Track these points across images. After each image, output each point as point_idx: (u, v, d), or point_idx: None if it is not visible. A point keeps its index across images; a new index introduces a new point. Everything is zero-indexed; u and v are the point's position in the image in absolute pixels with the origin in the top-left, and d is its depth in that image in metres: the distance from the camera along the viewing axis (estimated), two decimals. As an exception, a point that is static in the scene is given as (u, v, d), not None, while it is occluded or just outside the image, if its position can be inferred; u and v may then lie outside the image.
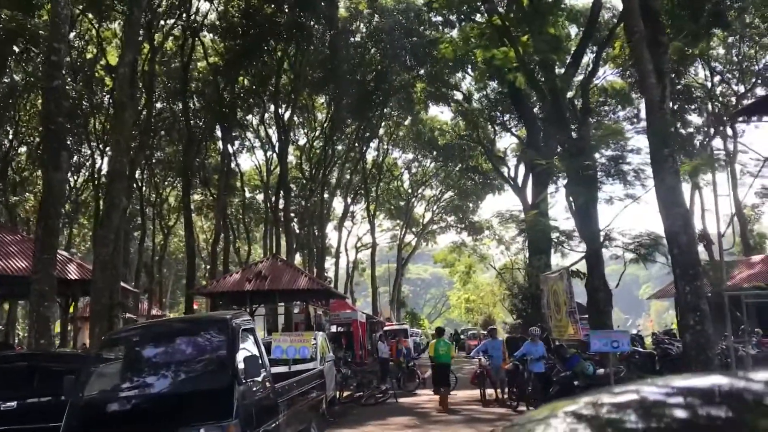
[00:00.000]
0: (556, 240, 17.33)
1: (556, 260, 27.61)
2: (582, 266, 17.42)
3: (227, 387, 6.03)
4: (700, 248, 17.32)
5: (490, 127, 41.71)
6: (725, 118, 32.96)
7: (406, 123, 45.77)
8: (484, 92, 38.21)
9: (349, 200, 51.01)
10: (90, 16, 31.06)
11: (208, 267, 40.84)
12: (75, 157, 40.79)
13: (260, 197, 49.32)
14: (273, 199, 40.14)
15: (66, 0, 12.23)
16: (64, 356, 9.96)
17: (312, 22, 33.22)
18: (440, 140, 44.85)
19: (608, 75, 34.97)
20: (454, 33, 33.55)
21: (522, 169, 38.32)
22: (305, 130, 45.14)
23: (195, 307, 35.67)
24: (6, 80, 29.98)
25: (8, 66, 27.10)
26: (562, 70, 21.29)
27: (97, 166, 37.20)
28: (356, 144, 44.31)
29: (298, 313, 29.48)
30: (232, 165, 41.75)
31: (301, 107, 41.05)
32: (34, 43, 22.29)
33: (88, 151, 38.39)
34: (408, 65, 36.72)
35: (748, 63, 35.13)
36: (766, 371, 1.27)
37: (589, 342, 11.33)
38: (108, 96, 33.38)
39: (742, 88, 35.37)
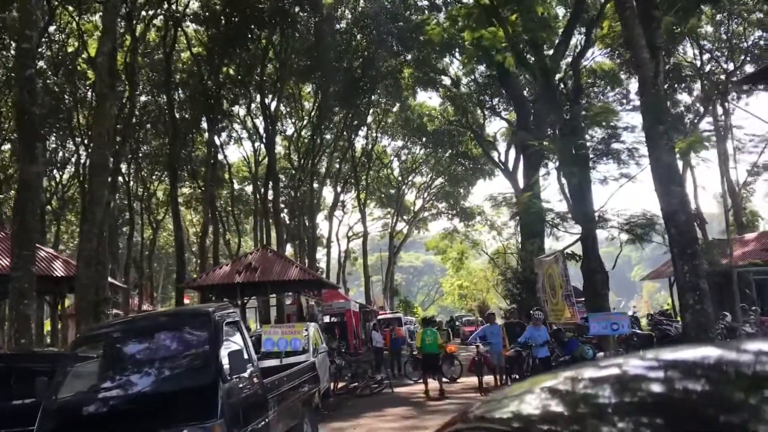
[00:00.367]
0: (550, 222, 17.04)
1: (549, 244, 27.44)
2: (577, 248, 17.20)
3: (210, 385, 5.65)
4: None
5: (479, 111, 41.36)
6: (724, 86, 32.66)
7: (395, 110, 45.36)
8: (473, 76, 37.81)
9: (339, 189, 50.62)
10: (70, 8, 30.38)
11: (199, 261, 40.43)
12: (60, 153, 40.34)
13: (249, 189, 48.87)
14: (262, 190, 39.74)
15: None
16: (45, 356, 9.54)
17: (296, 9, 32.65)
18: (429, 126, 44.49)
19: (597, 56, 34.61)
20: (441, 17, 33.16)
21: (513, 153, 38.09)
22: (293, 120, 44.67)
23: (186, 301, 35.24)
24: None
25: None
26: (551, 52, 21.00)
27: (83, 161, 36.55)
28: (344, 132, 43.85)
29: (290, 305, 29.16)
30: (220, 157, 41.34)
31: (288, 96, 40.58)
32: (10, 35, 21.62)
33: (73, 147, 37.78)
34: (395, 51, 36.25)
35: (737, 40, 34.88)
36: (760, 341, 1.21)
37: (588, 325, 11.06)
38: (90, 90, 32.74)
39: (731, 66, 35.13)
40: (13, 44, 25.18)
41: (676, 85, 34.50)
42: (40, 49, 30.91)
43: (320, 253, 54.16)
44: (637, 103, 34.60)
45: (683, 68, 34.81)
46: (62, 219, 43.26)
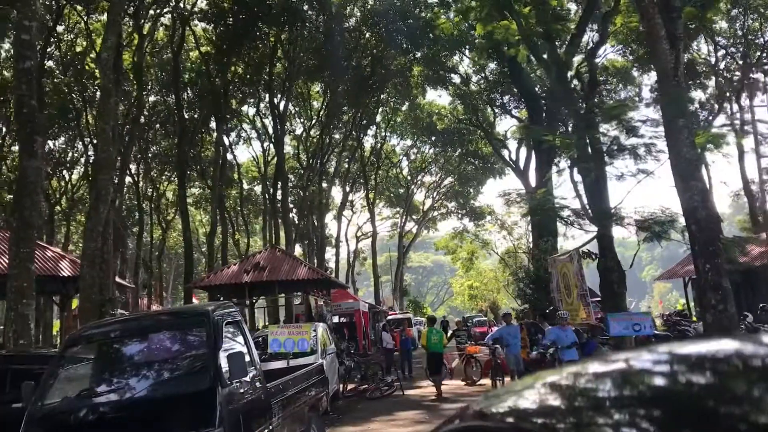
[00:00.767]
0: (566, 219, 16.60)
1: (560, 243, 26.94)
2: (590, 247, 16.75)
3: (208, 390, 5.23)
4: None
5: (489, 109, 40.89)
6: (740, 83, 31.99)
7: (404, 109, 44.97)
8: (483, 74, 37.39)
9: (347, 189, 50.32)
10: (79, 8, 30.26)
11: (207, 261, 40.24)
12: (69, 153, 40.28)
13: (258, 189, 48.67)
14: (271, 190, 39.52)
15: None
16: (43, 357, 9.22)
17: (305, 7, 32.37)
18: (439, 125, 44.07)
19: (609, 53, 34.09)
20: (451, 15, 32.76)
21: (524, 151, 37.61)
22: (301, 119, 44.44)
23: (195, 301, 35.05)
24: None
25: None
26: (562, 50, 20.55)
27: (92, 161, 36.40)
28: (353, 131, 43.54)
29: (298, 305, 28.86)
30: (229, 157, 41.16)
31: (297, 96, 40.33)
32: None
33: (82, 147, 37.67)
34: (404, 48, 35.85)
35: (752, 36, 34.23)
36: None
37: (603, 326, 10.61)
38: (99, 90, 32.57)
39: (747, 62, 34.48)
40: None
41: (690, 82, 33.88)
42: (48, 49, 31.01)
43: (329, 253, 53.98)
44: (650, 101, 34.23)
45: (697, 64, 34.20)
46: (72, 219, 43.17)
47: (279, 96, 36.44)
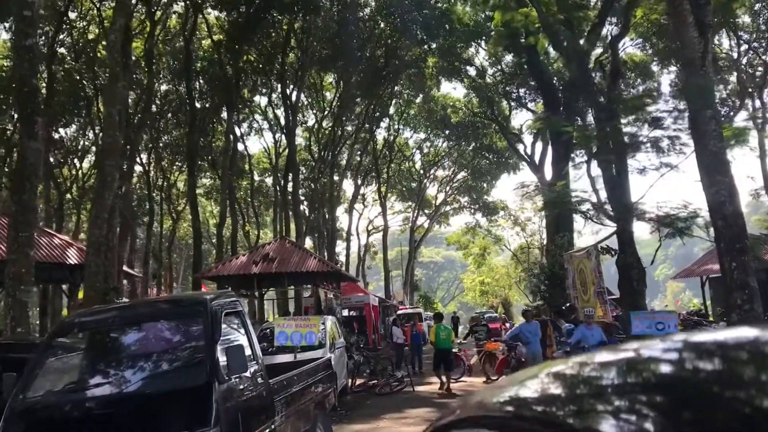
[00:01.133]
0: (585, 214, 16.07)
1: (574, 239, 26.39)
2: (609, 243, 16.25)
3: (203, 386, 4.79)
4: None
5: (504, 102, 40.28)
6: (762, 79, 31.21)
7: (418, 101, 44.44)
8: (499, 66, 36.80)
9: (359, 182, 49.91)
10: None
11: (216, 251, 40.07)
12: (81, 142, 40.17)
13: (269, 180, 48.40)
14: (282, 182, 39.23)
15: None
16: (40, 345, 8.87)
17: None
18: (453, 118, 43.51)
19: (627, 47, 33.39)
20: (468, 5, 32.24)
21: (539, 146, 37.03)
22: (314, 111, 44.00)
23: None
24: None
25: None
26: (581, 41, 19.96)
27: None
28: (366, 124, 43.06)
29: (308, 297, 28.52)
30: (240, 147, 40.93)
31: (309, 87, 39.91)
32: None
33: (92, 136, 37.50)
34: (419, 39, 35.31)
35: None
36: None
37: (630, 323, 10.12)
38: (110, 77, 32.35)
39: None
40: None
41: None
42: (60, 36, 30.79)
43: (340, 247, 53.59)
44: (674, 93, 33.50)
45: (719, 59, 33.43)
46: (83, 208, 43.09)
47: (291, 86, 36.07)
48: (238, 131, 38.74)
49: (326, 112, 42.29)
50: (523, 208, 46.61)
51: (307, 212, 43.69)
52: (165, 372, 5.32)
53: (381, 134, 48.47)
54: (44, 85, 30.54)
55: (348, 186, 53.27)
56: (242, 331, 5.85)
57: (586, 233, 31.99)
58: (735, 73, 34.37)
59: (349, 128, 44.16)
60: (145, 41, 29.50)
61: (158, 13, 30.19)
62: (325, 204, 43.72)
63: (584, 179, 18.70)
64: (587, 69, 15.21)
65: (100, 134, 35.44)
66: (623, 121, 13.88)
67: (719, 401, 0.83)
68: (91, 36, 33.34)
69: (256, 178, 48.11)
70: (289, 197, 37.09)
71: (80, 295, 22.27)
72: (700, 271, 27.40)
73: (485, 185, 53.79)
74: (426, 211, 57.39)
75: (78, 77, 33.04)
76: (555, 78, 30.07)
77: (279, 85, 35.74)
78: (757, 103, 32.93)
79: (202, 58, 35.96)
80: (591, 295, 15.80)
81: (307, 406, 6.83)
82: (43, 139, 11.84)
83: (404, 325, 23.38)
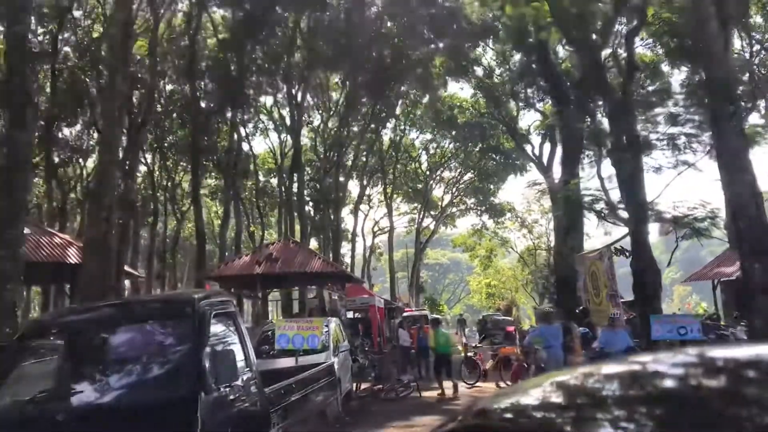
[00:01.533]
0: (598, 213, 15.60)
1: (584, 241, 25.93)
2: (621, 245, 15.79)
3: (187, 397, 4.27)
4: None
5: (512, 103, 39.79)
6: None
7: (424, 101, 44.01)
8: (507, 66, 36.33)
9: (365, 183, 49.54)
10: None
11: (219, 252, 39.79)
12: (85, 141, 39.92)
13: (274, 181, 48.09)
14: (287, 182, 38.93)
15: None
16: (7, 348, 8.45)
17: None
18: (460, 119, 43.04)
19: (638, 47, 32.84)
20: (476, 4, 31.78)
21: (547, 147, 36.55)
22: (319, 111, 43.66)
23: (207, 293, 34.44)
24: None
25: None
26: (594, 36, 19.51)
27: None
28: (372, 124, 42.65)
29: (312, 298, 28.10)
30: (245, 147, 40.60)
31: (315, 87, 39.58)
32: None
33: (96, 135, 37.23)
34: (427, 38, 34.89)
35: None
36: None
37: (651, 328, 9.63)
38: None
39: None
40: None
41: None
42: (66, 34, 30.53)
43: (345, 248, 53.17)
44: (680, 96, 32.98)
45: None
46: (86, 208, 42.83)
47: (297, 86, 35.76)
48: (243, 131, 38.47)
49: (332, 113, 41.94)
50: (530, 210, 46.15)
51: (312, 213, 43.34)
52: (145, 381, 4.78)
53: (387, 135, 48.15)
54: (47, 83, 30.42)
55: (353, 187, 52.91)
56: (234, 334, 5.34)
57: (596, 236, 31.56)
58: (747, 74, 33.81)
59: (355, 128, 43.77)
60: (149, 40, 29.21)
61: (162, 11, 29.90)
62: (330, 205, 43.37)
63: (594, 180, 18.27)
64: (600, 66, 14.78)
65: (104, 133, 35.44)
66: (641, 117, 13.46)
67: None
68: (95, 35, 33.09)
69: (261, 178, 47.80)
70: (294, 198, 36.79)
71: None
72: (711, 274, 26.88)
73: (492, 187, 53.27)
74: (432, 213, 56.95)
75: (82, 76, 32.79)
76: (564, 78, 29.58)
77: (284, 85, 35.46)
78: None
79: (207, 57, 35.67)
80: (603, 298, 15.35)
81: (307, 415, 6.34)
82: (34, 131, 11.45)
83: (410, 328, 22.90)
